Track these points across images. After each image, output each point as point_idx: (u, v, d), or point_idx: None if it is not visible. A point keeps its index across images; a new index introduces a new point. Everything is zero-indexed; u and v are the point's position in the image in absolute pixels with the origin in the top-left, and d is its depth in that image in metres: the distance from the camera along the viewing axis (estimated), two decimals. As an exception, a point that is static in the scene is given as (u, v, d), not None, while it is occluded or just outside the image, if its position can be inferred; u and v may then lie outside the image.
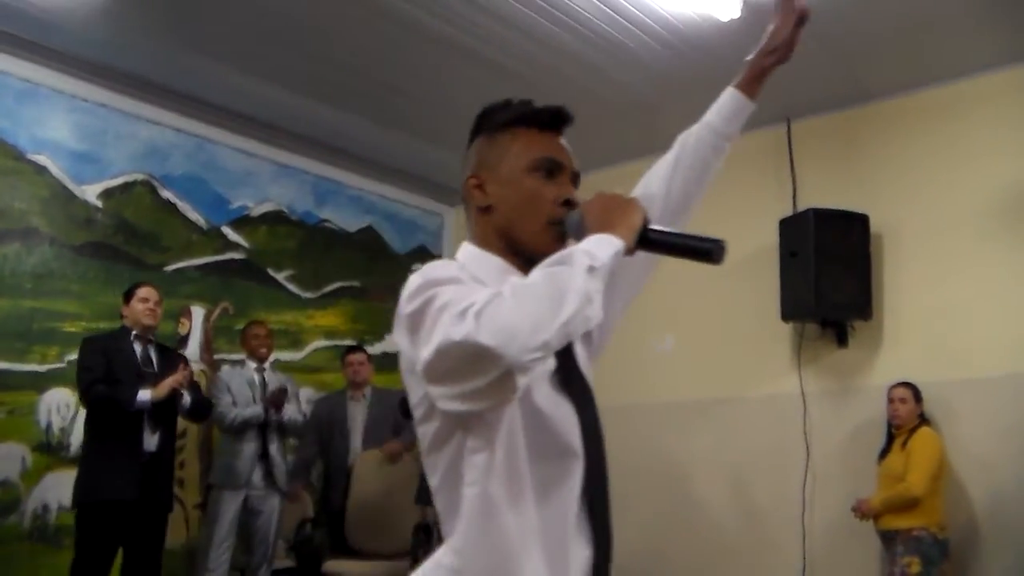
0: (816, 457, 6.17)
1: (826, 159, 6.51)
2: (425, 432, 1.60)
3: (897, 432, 5.52)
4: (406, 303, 1.49)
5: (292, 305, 7.26)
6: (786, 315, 6.18)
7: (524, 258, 1.67)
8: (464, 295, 1.39)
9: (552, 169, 1.72)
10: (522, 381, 1.36)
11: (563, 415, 1.63)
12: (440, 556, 1.60)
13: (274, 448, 6.11)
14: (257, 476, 6.03)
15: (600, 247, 1.48)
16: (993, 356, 5.62)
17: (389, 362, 6.71)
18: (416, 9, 5.30)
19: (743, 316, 6.52)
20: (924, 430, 5.44)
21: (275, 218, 7.26)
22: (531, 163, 1.71)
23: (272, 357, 6.46)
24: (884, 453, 5.56)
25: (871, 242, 6.11)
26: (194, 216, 6.71)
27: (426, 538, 6.43)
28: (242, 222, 7.02)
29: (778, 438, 6.31)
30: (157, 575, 5.38)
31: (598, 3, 5.21)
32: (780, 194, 6.55)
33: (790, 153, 6.61)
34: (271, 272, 7.16)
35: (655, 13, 5.34)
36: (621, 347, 6.92)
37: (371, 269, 7.88)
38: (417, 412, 1.60)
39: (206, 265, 6.75)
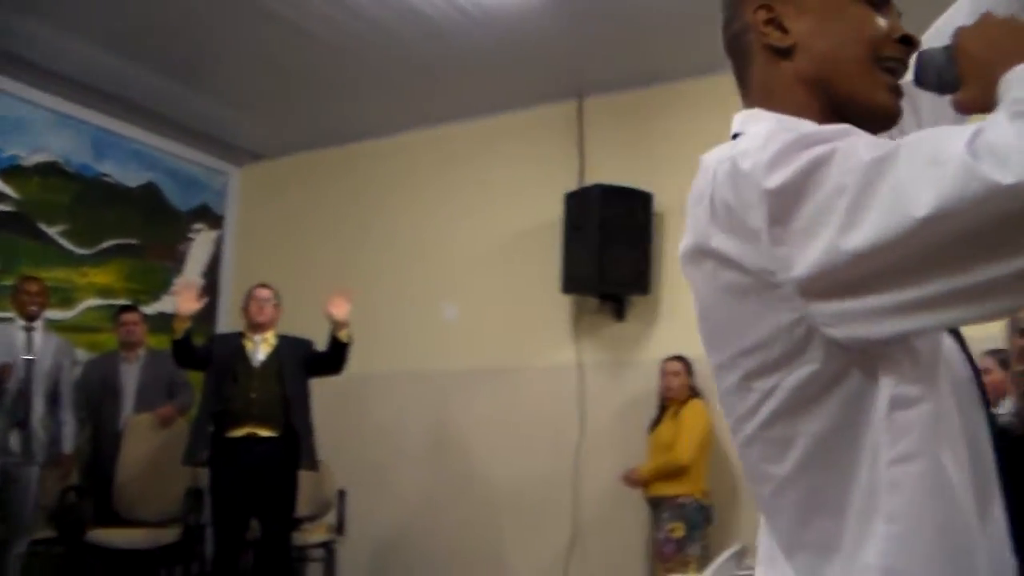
0: (591, 427, 6.30)
1: (615, 136, 6.62)
2: (773, 387, 1.04)
3: (669, 404, 5.69)
4: (767, 171, 0.96)
5: (64, 262, 6.90)
6: (567, 288, 6.27)
7: (841, 117, 1.13)
8: (880, 143, 0.94)
9: None
10: None
11: (955, 349, 1.11)
12: None
13: (36, 417, 5.80)
14: (15, 444, 5.72)
15: None
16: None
17: (165, 323, 6.47)
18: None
19: (525, 287, 6.59)
20: (694, 402, 5.62)
21: (49, 169, 6.88)
22: None
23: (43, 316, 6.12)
24: (655, 424, 5.73)
25: (653, 220, 6.27)
26: (-43, 164, 6.32)
27: (196, 503, 6.29)
28: (12, 172, 6.62)
29: (555, 408, 6.41)
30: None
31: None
32: (568, 168, 6.62)
33: (580, 128, 6.69)
34: (42, 226, 6.78)
35: (449, -21, 5.30)
36: (401, 312, 6.96)
37: (150, 227, 7.56)
38: (755, 358, 1.04)
39: (-31, 217, 6.36)
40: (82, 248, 7.05)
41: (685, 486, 5.39)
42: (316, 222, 7.66)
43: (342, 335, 5.64)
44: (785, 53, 1.21)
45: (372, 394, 7.06)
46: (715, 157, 1.06)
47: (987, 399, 1.11)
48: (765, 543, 1.16)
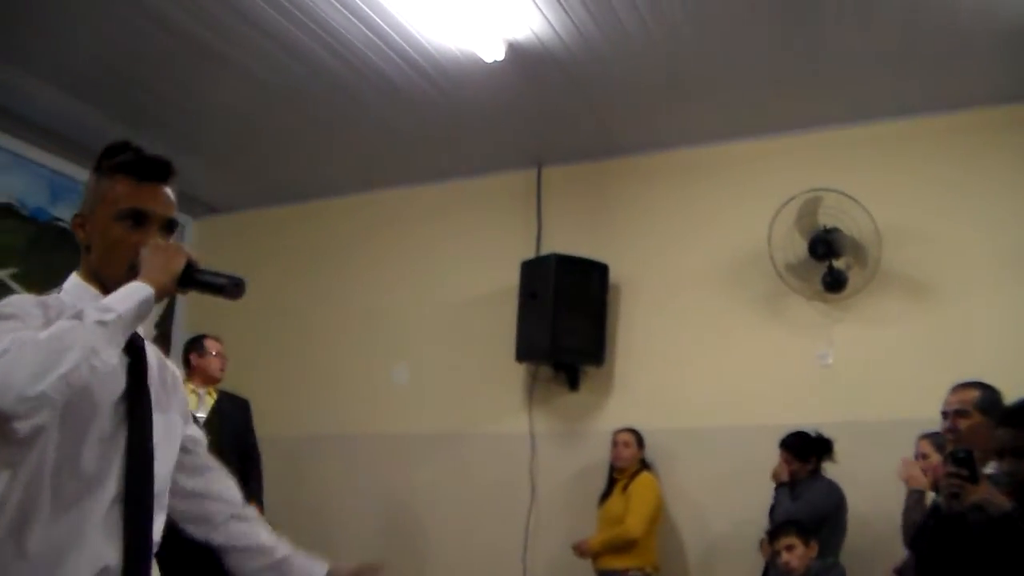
0: (541, 497, 6.25)
1: (573, 207, 6.65)
2: None
3: (619, 476, 5.66)
4: None
5: (12, 306, 6.74)
6: (521, 355, 6.24)
7: (112, 290, 1.75)
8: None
9: (138, 219, 1.85)
10: (22, 426, 1.50)
11: None
12: None
13: None
14: None
15: (123, 298, 1.67)
16: (711, 409, 5.85)
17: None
18: (171, 6, 5.04)
19: (479, 353, 6.55)
20: (644, 475, 5.61)
21: (3, 211, 6.77)
22: (117, 213, 1.85)
23: None
24: (605, 496, 5.70)
25: (609, 291, 6.28)
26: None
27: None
28: (-36, 212, 6.54)
29: (505, 476, 6.35)
30: None
31: (359, 24, 5.10)
32: (525, 236, 6.64)
33: (538, 197, 6.72)
34: (-8, 269, 6.69)
35: (416, 42, 5.28)
36: (350, 375, 6.86)
37: (103, 274, 7.43)
38: None
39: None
40: (33, 292, 6.88)
41: (635, 559, 5.37)
42: (269, 278, 7.52)
43: None
44: (86, 248, 1.89)
45: (323, 455, 6.94)
46: None
47: None
48: None
